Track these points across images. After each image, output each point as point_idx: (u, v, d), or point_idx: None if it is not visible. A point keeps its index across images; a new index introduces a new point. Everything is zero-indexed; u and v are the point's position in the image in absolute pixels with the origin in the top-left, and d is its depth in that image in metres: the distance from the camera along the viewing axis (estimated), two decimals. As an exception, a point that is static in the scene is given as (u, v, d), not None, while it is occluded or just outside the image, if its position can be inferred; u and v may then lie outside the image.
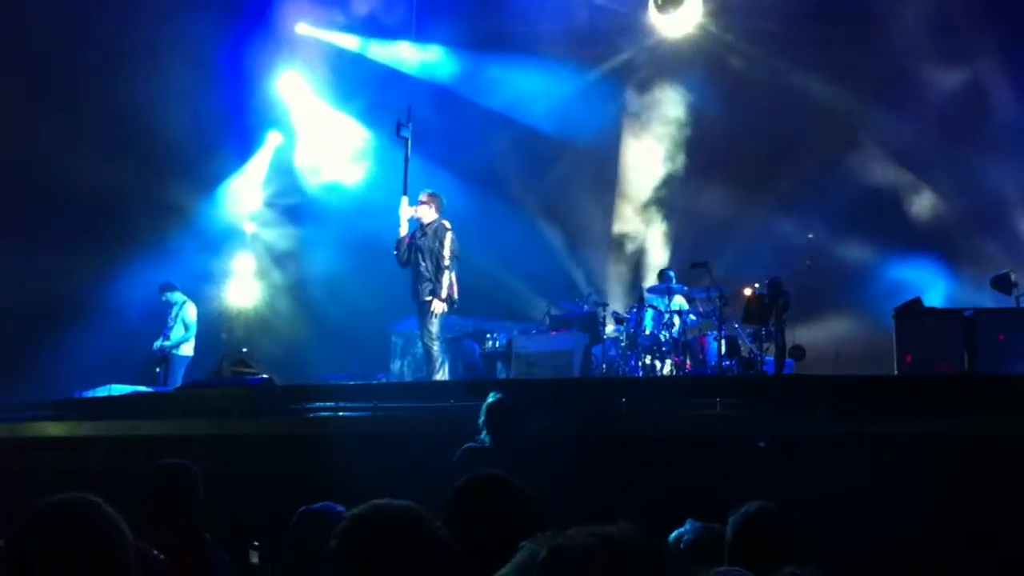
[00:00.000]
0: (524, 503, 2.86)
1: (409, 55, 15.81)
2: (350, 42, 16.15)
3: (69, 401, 11.04)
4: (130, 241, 14.34)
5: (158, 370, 13.11)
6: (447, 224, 10.75)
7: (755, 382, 10.03)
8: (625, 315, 12.55)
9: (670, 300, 12.66)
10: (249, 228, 16.59)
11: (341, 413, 9.15)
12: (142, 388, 12.07)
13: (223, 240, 16.22)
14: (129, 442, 9.02)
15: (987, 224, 13.85)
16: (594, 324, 12.64)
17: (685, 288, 12.85)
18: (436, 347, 10.75)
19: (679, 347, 11.99)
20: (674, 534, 3.77)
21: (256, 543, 3.97)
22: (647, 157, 15.75)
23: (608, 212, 16.08)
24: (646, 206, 15.87)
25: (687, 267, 13.01)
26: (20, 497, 2.47)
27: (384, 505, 2.29)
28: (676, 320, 12.09)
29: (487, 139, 15.27)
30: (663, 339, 11.94)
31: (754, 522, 3.34)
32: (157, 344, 13.13)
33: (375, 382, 12.46)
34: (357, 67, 16.02)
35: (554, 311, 13.24)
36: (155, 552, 3.97)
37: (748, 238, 14.39)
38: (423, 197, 10.88)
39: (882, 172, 14.49)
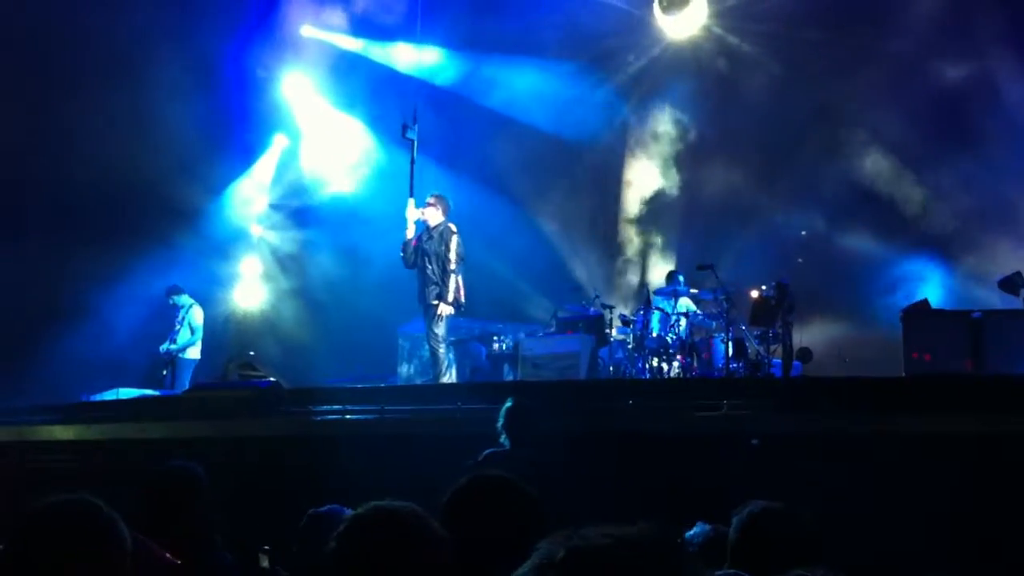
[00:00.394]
0: (526, 503, 2.86)
1: (414, 57, 15.83)
2: (355, 45, 16.19)
3: (76, 405, 11.07)
4: (136, 244, 14.35)
5: (164, 373, 13.13)
6: (453, 227, 10.72)
7: (762, 384, 10.01)
8: (632, 317, 12.55)
9: (676, 302, 12.65)
10: (255, 231, 16.62)
11: (348, 416, 9.15)
12: (149, 392, 12.09)
13: (229, 243, 16.24)
14: (136, 445, 9.04)
15: (992, 223, 13.83)
16: (601, 326, 12.63)
17: (692, 290, 12.84)
18: (442, 350, 10.75)
19: (686, 349, 11.97)
20: (686, 536, 3.76)
21: (266, 547, 3.97)
22: (652, 157, 15.75)
23: (614, 213, 16.08)
24: (652, 207, 15.87)
25: (693, 269, 13.01)
26: (27, 500, 2.48)
27: (384, 507, 2.30)
28: (683, 322, 12.07)
29: (492, 141, 15.28)
30: (670, 341, 11.93)
31: (758, 523, 3.31)
32: (163, 347, 13.16)
33: (382, 385, 12.46)
34: (362, 69, 16.04)
35: (561, 313, 13.23)
36: (168, 555, 3.98)
37: (754, 238, 14.39)
38: (430, 199, 10.86)
39: (885, 172, 14.47)
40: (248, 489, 7.44)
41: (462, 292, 10.72)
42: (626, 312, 13.43)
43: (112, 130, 13.62)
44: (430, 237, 10.73)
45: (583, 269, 15.53)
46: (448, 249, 10.59)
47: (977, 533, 6.08)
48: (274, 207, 16.69)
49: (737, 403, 7.80)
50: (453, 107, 15.28)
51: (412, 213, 11.02)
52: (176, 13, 14.47)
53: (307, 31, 16.08)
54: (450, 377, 11.01)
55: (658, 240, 15.82)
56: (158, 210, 14.62)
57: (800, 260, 12.52)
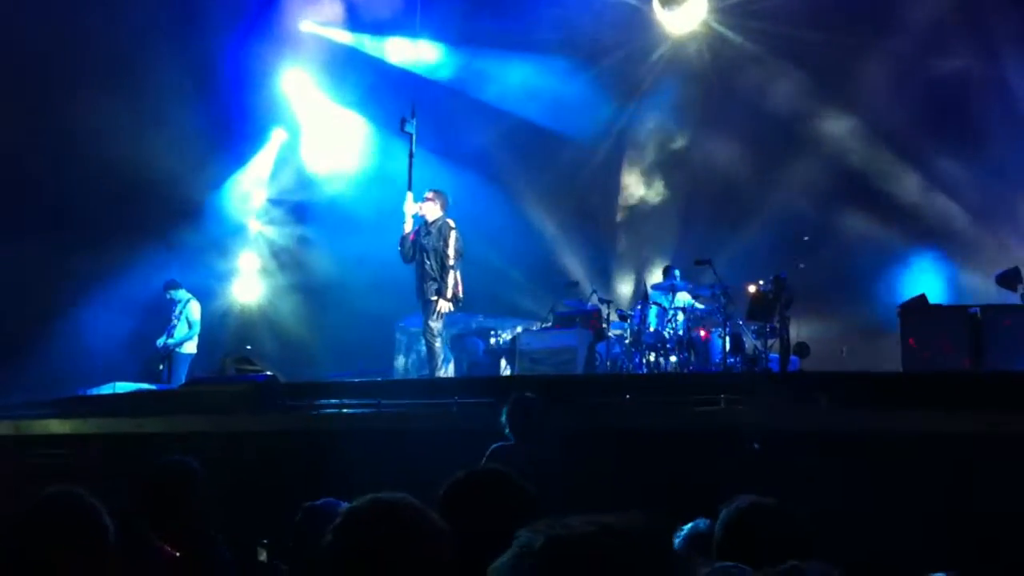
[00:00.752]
0: (522, 497, 2.86)
1: (412, 52, 15.81)
2: (354, 39, 16.16)
3: (73, 399, 11.06)
4: (134, 239, 14.34)
5: (161, 368, 13.11)
6: (451, 223, 10.68)
7: (760, 379, 10.01)
8: (629, 312, 12.54)
9: (674, 297, 12.64)
10: (254, 225, 16.60)
11: (345, 410, 9.15)
12: (145, 386, 12.08)
13: (227, 238, 16.23)
14: (133, 440, 9.03)
15: (991, 219, 13.85)
16: (598, 321, 12.61)
17: (689, 285, 12.84)
18: (438, 344, 10.71)
19: (683, 344, 11.96)
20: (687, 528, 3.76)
21: (264, 540, 3.97)
22: (650, 151, 15.75)
23: (612, 208, 16.08)
24: (650, 202, 15.87)
25: (691, 263, 13.00)
26: (24, 494, 2.47)
27: (381, 498, 2.28)
28: (680, 317, 12.06)
29: (490, 136, 15.27)
30: (667, 336, 11.92)
31: (745, 518, 3.26)
32: (160, 341, 13.13)
33: (379, 379, 12.45)
34: (361, 64, 16.02)
35: (558, 308, 13.22)
36: (167, 547, 3.98)
37: (752, 234, 14.40)
38: (428, 194, 10.81)
39: (884, 167, 14.47)
40: (245, 483, 7.43)
41: (460, 288, 10.69)
42: (623, 307, 13.41)
43: (110, 127, 13.60)
44: (428, 232, 10.68)
45: (581, 264, 15.52)
46: (447, 245, 10.54)
47: (975, 531, 6.08)
48: (272, 202, 16.68)
49: (734, 398, 7.80)
50: (451, 102, 15.26)
51: (410, 207, 10.98)
52: (174, 9, 14.44)
53: (306, 26, 16.05)
54: (449, 371, 11.00)
55: (656, 235, 15.81)
56: (156, 205, 14.60)
57: (802, 265, 12.47)
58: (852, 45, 14.18)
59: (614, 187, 16.08)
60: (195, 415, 9.21)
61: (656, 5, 15.35)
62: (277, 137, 16.38)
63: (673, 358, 11.89)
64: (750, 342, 11.74)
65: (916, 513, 6.25)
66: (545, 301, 14.12)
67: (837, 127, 14.59)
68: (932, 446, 6.61)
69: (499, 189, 15.09)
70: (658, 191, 15.86)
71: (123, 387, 11.69)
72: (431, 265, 10.57)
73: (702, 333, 12.27)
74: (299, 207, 16.64)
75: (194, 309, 13.28)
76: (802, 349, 11.63)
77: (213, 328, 14.37)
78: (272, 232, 16.74)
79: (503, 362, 12.85)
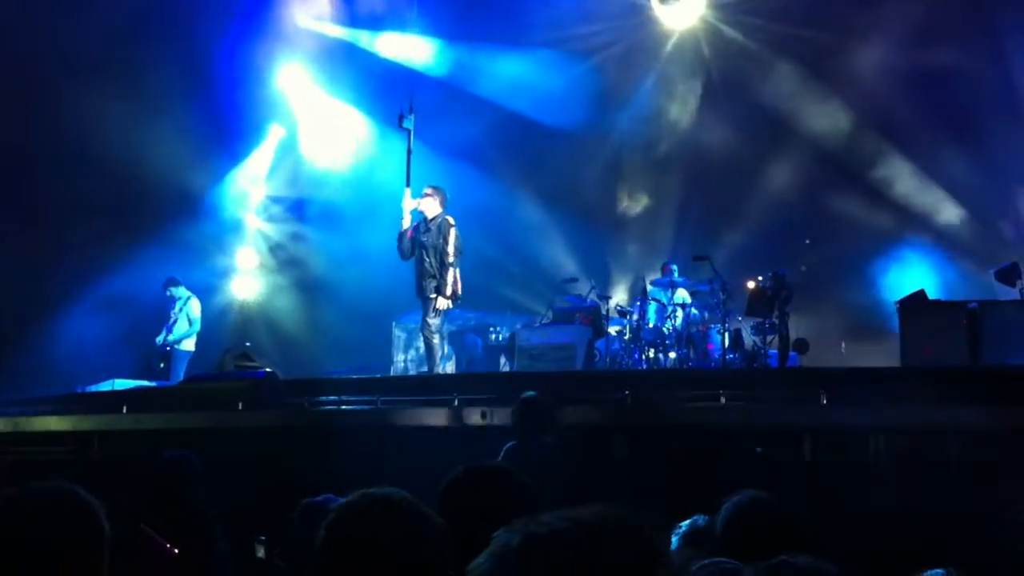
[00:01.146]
0: (522, 493, 2.86)
1: (409, 46, 15.81)
2: (350, 34, 16.14)
3: (73, 395, 11.06)
4: (133, 236, 14.34)
5: (161, 365, 13.09)
6: (451, 220, 10.61)
7: (759, 375, 10.01)
8: (628, 308, 12.53)
9: (673, 293, 12.64)
10: (252, 222, 16.59)
11: (344, 407, 9.15)
12: (145, 383, 12.08)
13: (226, 235, 16.23)
14: (132, 436, 9.03)
15: (990, 214, 13.86)
16: (597, 317, 12.61)
17: (688, 281, 12.84)
18: (436, 340, 10.66)
19: (682, 340, 11.96)
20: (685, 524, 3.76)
21: (262, 537, 3.97)
22: (649, 147, 15.74)
23: (611, 203, 16.07)
24: (648, 198, 15.87)
25: (689, 259, 13.00)
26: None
27: (373, 493, 2.28)
28: (679, 313, 12.06)
29: (488, 130, 15.24)
30: (666, 332, 11.92)
31: (746, 513, 3.28)
32: (160, 338, 13.13)
33: (378, 376, 12.45)
34: (358, 59, 16.01)
35: (557, 304, 13.21)
36: (166, 543, 3.98)
37: (750, 229, 14.40)
38: (427, 190, 10.74)
39: (883, 163, 14.48)
40: (244, 479, 7.43)
41: (459, 285, 10.64)
42: (622, 303, 13.41)
43: (107, 125, 13.59)
44: (427, 229, 10.62)
45: (579, 260, 15.51)
46: (446, 242, 10.47)
47: (976, 526, 6.08)
48: (270, 198, 16.67)
49: (734, 394, 7.81)
50: (448, 96, 15.23)
51: (408, 203, 10.94)
52: (171, 5, 14.41)
53: (302, 21, 16.03)
54: (449, 367, 10.99)
55: (654, 231, 15.80)
56: (154, 202, 14.59)
57: (804, 268, 12.46)
58: (848, 39, 14.17)
59: (612, 182, 16.06)
60: (194, 411, 9.22)
61: (655, 2, 15.35)
62: (275, 134, 16.36)
63: (672, 354, 11.88)
64: (749, 338, 11.74)
65: (916, 508, 6.25)
66: (544, 297, 14.12)
67: (834, 123, 14.58)
68: (931, 441, 6.61)
69: (497, 185, 15.07)
70: (656, 186, 15.85)
71: (122, 384, 11.69)
72: (430, 262, 10.51)
73: (701, 329, 12.27)
74: (297, 203, 16.63)
75: (194, 307, 13.29)
76: (801, 345, 11.63)
77: (212, 325, 14.36)
78: (270, 229, 16.73)
79: (502, 359, 12.84)
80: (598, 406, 8.13)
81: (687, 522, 3.86)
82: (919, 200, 14.34)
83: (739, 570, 2.91)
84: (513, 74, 15.26)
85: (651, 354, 11.93)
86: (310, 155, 16.32)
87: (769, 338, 11.27)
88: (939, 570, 3.34)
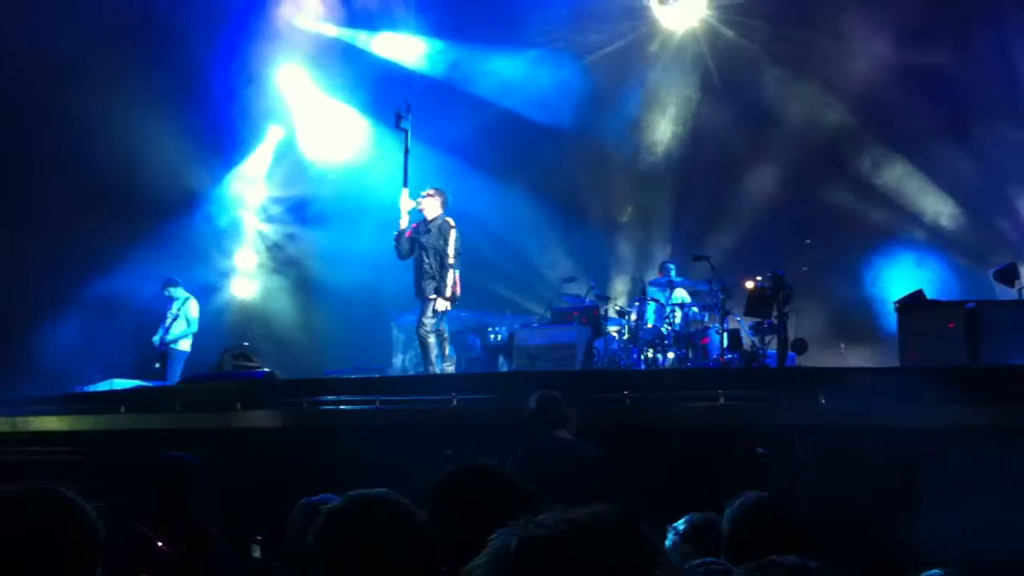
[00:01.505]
0: (512, 491, 2.86)
1: (406, 46, 15.81)
2: (347, 34, 16.14)
3: (71, 395, 11.05)
4: (132, 237, 14.35)
5: (157, 365, 13.07)
6: (451, 221, 10.57)
7: (758, 375, 10.01)
8: (627, 308, 12.53)
9: (672, 293, 12.64)
10: (251, 223, 16.58)
11: (343, 407, 9.15)
12: (143, 383, 12.07)
13: (225, 235, 16.22)
14: (131, 436, 9.03)
15: (988, 213, 13.87)
16: (596, 317, 12.62)
17: (687, 281, 12.84)
18: (431, 340, 10.63)
19: (681, 340, 11.96)
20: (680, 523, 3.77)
21: (259, 537, 3.97)
22: (648, 147, 15.74)
23: (609, 203, 16.07)
24: (647, 198, 15.87)
25: (688, 259, 13.00)
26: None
27: (359, 496, 2.29)
28: (678, 313, 12.06)
29: (487, 130, 15.23)
30: (665, 332, 11.92)
31: (751, 514, 3.29)
32: (156, 339, 13.11)
33: (377, 376, 12.45)
34: (356, 60, 16.00)
35: (556, 304, 13.21)
36: (160, 543, 3.97)
37: (749, 230, 14.41)
38: (428, 191, 10.70)
39: (881, 163, 14.49)
40: (242, 479, 7.42)
41: (458, 287, 10.63)
42: (621, 303, 13.41)
43: (106, 127, 13.60)
44: (427, 230, 10.58)
45: (578, 260, 15.51)
46: (447, 243, 10.45)
47: (976, 524, 6.08)
48: (269, 199, 16.66)
49: (733, 394, 7.80)
50: (446, 96, 15.23)
51: (406, 203, 10.93)
52: (168, 5, 14.41)
53: (299, 22, 16.02)
54: (452, 366, 10.98)
55: (653, 231, 15.81)
56: (153, 204, 14.59)
57: (805, 268, 12.44)
58: (846, 38, 14.17)
59: (611, 182, 16.06)
60: (193, 412, 9.21)
61: (654, 1, 15.36)
62: (273, 134, 16.35)
63: (671, 354, 11.88)
64: (748, 338, 11.74)
65: (916, 507, 6.25)
66: (542, 297, 14.12)
67: (834, 123, 14.58)
68: (930, 439, 6.62)
69: (494, 184, 15.07)
70: (655, 186, 15.84)
71: (120, 384, 11.68)
72: (430, 263, 10.48)
73: (700, 329, 12.28)
74: (296, 204, 16.62)
75: (192, 308, 13.27)
76: (800, 346, 11.63)
77: (211, 325, 14.36)
78: (269, 229, 16.73)
79: (501, 359, 12.84)
80: (597, 406, 8.12)
81: (682, 520, 3.87)
82: (917, 200, 14.35)
83: (729, 571, 2.92)
84: (510, 74, 15.27)
85: (650, 354, 11.92)
86: (308, 155, 16.31)
87: (768, 338, 11.27)
88: (937, 570, 3.34)
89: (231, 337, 14.46)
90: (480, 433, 6.92)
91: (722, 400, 7.82)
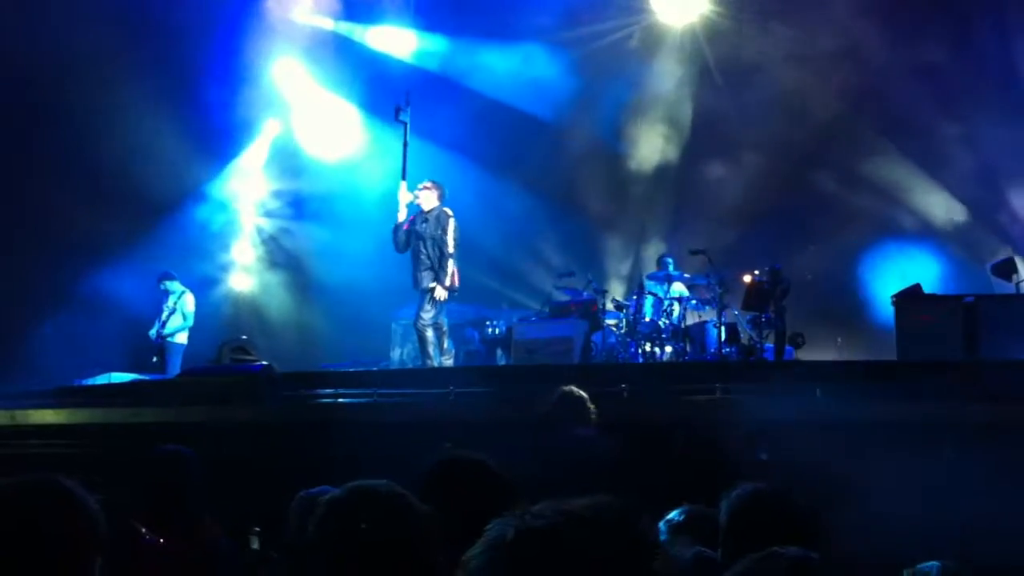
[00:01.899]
0: (497, 484, 2.88)
1: (405, 39, 15.79)
2: (343, 27, 16.12)
3: (69, 389, 11.05)
4: (129, 231, 14.35)
5: (155, 359, 13.04)
6: (449, 211, 10.62)
7: (755, 368, 10.02)
8: (625, 302, 12.54)
9: (669, 287, 12.64)
10: (248, 217, 16.57)
11: (341, 400, 9.15)
12: (142, 376, 12.06)
13: (222, 229, 16.20)
14: (129, 430, 9.02)
15: (986, 207, 13.89)
16: (594, 311, 12.62)
17: (685, 275, 12.84)
18: (430, 333, 10.65)
19: (679, 334, 11.97)
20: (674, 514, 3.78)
21: (257, 528, 3.98)
22: (647, 141, 15.73)
23: (607, 197, 16.06)
24: (645, 191, 15.87)
25: (685, 253, 13.01)
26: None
27: (360, 487, 2.29)
28: (676, 307, 12.07)
29: (485, 124, 15.21)
30: (663, 326, 11.93)
31: (748, 505, 3.28)
32: (153, 332, 13.09)
33: (375, 369, 12.46)
34: (352, 53, 15.97)
35: (554, 298, 13.22)
36: (145, 532, 3.98)
37: (748, 224, 14.41)
38: (426, 184, 10.74)
39: (880, 158, 14.49)
40: (240, 472, 7.43)
41: (456, 278, 10.67)
42: (619, 297, 13.41)
43: (103, 122, 13.60)
44: (425, 220, 10.61)
45: (575, 253, 15.50)
46: (445, 232, 10.48)
47: (973, 518, 6.09)
48: (266, 193, 16.64)
49: (730, 387, 7.81)
50: (444, 89, 15.22)
51: (404, 196, 10.94)
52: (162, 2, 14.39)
53: (298, 15, 16.00)
54: (449, 359, 11.00)
55: (650, 224, 15.81)
56: (150, 198, 14.58)
57: (809, 276, 12.42)
58: (846, 34, 14.16)
59: (610, 175, 16.05)
60: (192, 405, 9.21)
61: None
62: (270, 128, 16.33)
63: (669, 348, 11.89)
64: (745, 332, 11.75)
65: (914, 501, 6.26)
66: (540, 291, 14.12)
67: (833, 117, 14.58)
68: (926, 433, 6.63)
69: (492, 178, 15.06)
70: (654, 179, 15.84)
71: (119, 377, 11.67)
72: (428, 253, 10.51)
73: (698, 323, 12.29)
74: (293, 198, 16.60)
75: (188, 301, 13.26)
76: (798, 339, 11.65)
77: (209, 319, 14.36)
78: (266, 223, 16.71)
79: (499, 352, 12.85)
80: (595, 400, 8.12)
81: (675, 512, 3.87)
82: (916, 195, 14.36)
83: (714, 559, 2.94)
84: (505, 67, 15.25)
85: (647, 348, 11.93)
86: (306, 149, 16.29)
87: (765, 332, 11.29)
88: (934, 563, 3.35)
89: (229, 331, 14.47)
90: (478, 426, 6.92)
91: (719, 394, 7.83)
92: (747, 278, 11.80)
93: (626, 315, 12.19)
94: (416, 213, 10.75)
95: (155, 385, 11.18)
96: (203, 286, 14.68)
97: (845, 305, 13.90)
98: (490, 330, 13.16)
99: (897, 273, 13.02)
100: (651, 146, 15.78)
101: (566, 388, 6.39)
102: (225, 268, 16.32)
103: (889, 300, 10.32)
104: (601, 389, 8.36)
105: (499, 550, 1.42)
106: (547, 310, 13.12)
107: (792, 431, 6.88)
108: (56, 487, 2.16)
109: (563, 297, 13.22)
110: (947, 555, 3.42)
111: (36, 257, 13.51)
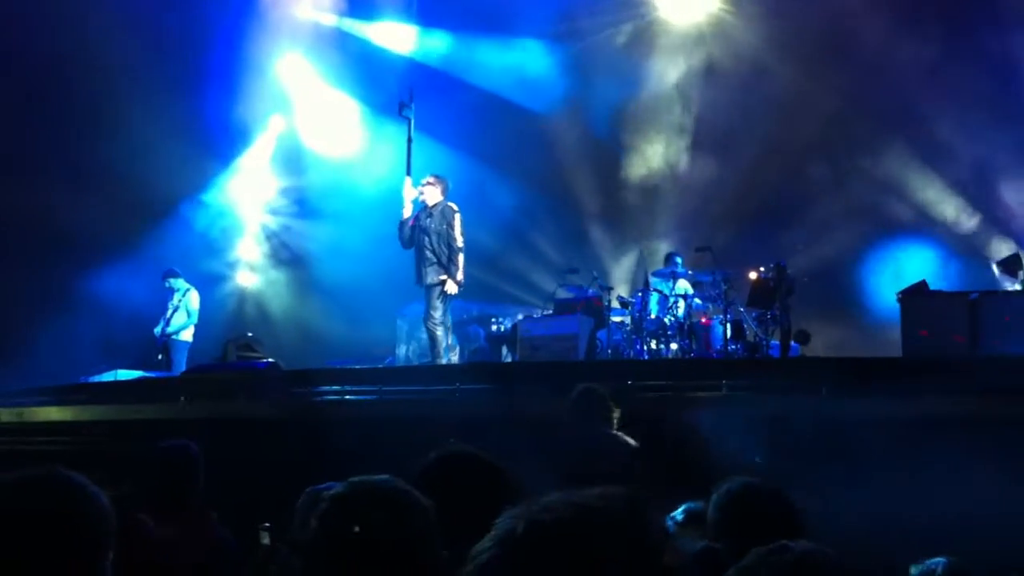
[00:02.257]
0: (495, 478, 2.89)
1: (409, 36, 15.80)
2: (346, 23, 16.13)
3: (76, 386, 11.09)
4: (136, 228, 14.39)
5: (160, 357, 13.07)
6: (454, 206, 10.61)
7: (760, 365, 10.02)
8: (630, 299, 12.53)
9: (675, 284, 12.63)
10: (253, 214, 16.59)
11: (347, 397, 9.17)
12: (147, 373, 12.09)
13: (228, 226, 16.24)
14: (136, 427, 9.06)
15: (991, 205, 13.87)
16: (599, 308, 12.61)
17: (690, 272, 12.83)
18: (440, 332, 10.63)
19: (684, 331, 11.96)
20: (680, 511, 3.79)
21: (267, 524, 4.00)
22: (652, 138, 15.73)
23: (612, 194, 16.06)
24: (650, 188, 15.86)
25: (691, 250, 12.99)
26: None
27: (362, 482, 2.30)
28: (681, 304, 12.06)
29: (489, 121, 15.22)
30: (668, 323, 11.92)
31: (736, 499, 3.29)
32: (158, 330, 13.09)
33: (380, 366, 12.47)
34: (358, 49, 15.98)
35: (559, 295, 13.22)
36: (149, 523, 4.00)
37: (752, 222, 14.40)
38: (429, 179, 10.73)
39: (884, 157, 14.48)
40: (247, 469, 7.45)
41: (461, 274, 10.66)
42: (624, 294, 13.41)
43: (111, 120, 13.64)
44: (429, 215, 10.60)
45: (582, 250, 15.51)
46: (452, 227, 10.47)
47: (975, 515, 6.10)
48: (271, 189, 16.66)
49: (736, 384, 7.82)
50: (448, 85, 15.23)
51: (409, 192, 10.94)
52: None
53: (302, 12, 16.01)
54: (454, 358, 10.99)
55: (656, 221, 15.81)
56: (155, 195, 14.62)
57: (806, 279, 12.40)
58: (851, 30, 14.14)
59: (615, 172, 16.04)
60: (198, 402, 9.24)
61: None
62: (275, 124, 16.35)
63: (674, 345, 11.88)
64: (751, 329, 11.74)
65: (916, 497, 6.26)
66: (545, 288, 14.12)
67: (839, 115, 14.56)
68: (931, 429, 6.63)
69: (498, 174, 15.08)
70: (660, 177, 15.83)
71: (125, 375, 11.71)
72: (432, 248, 10.50)
73: (703, 320, 12.27)
74: (298, 194, 16.62)
75: (193, 299, 13.26)
76: (803, 336, 11.64)
77: (215, 316, 14.39)
78: (271, 220, 16.74)
79: (504, 349, 12.85)
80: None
81: (680, 509, 3.88)
82: (921, 191, 14.34)
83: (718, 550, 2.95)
84: (509, 63, 15.26)
85: (653, 345, 11.92)
86: (311, 146, 16.31)
87: (771, 329, 11.28)
88: (940, 559, 3.36)
89: (235, 328, 14.51)
90: (483, 422, 6.93)
91: (724, 391, 7.84)
92: (752, 275, 11.79)
93: (631, 312, 12.18)
94: (421, 208, 10.75)
95: (161, 382, 11.22)
96: (209, 283, 14.70)
97: (851, 302, 13.89)
98: (495, 327, 13.16)
99: (898, 269, 13.03)
100: (654, 143, 15.76)
101: (587, 385, 6.41)
102: (231, 265, 16.36)
103: (894, 296, 10.32)
104: (607, 386, 8.38)
105: (509, 544, 1.43)
106: (552, 307, 13.11)
107: (797, 428, 6.89)
108: (67, 481, 2.17)
109: (568, 294, 13.21)
110: (952, 551, 3.43)
111: (42, 255, 13.55)
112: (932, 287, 10.49)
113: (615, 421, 6.31)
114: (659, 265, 13.46)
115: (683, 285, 12.64)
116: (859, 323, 13.58)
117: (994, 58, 13.49)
